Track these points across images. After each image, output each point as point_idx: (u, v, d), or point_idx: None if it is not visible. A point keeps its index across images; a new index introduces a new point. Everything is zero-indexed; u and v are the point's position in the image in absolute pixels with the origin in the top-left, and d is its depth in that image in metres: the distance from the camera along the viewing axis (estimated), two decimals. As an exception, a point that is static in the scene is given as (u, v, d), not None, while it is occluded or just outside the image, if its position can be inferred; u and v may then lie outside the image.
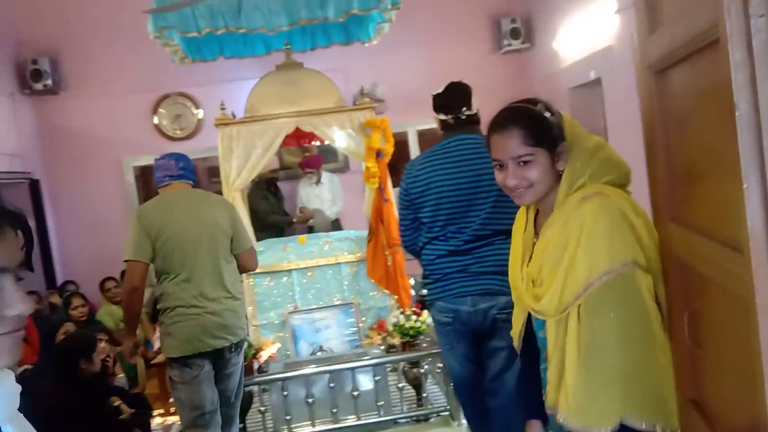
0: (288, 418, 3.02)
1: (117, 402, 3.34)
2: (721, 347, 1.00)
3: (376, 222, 3.61)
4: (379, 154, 3.61)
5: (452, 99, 2.50)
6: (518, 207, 1.52)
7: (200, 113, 6.38)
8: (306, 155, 5.93)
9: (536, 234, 1.45)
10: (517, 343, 1.57)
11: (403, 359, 3.20)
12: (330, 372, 3.07)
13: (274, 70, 3.99)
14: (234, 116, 3.77)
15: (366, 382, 3.17)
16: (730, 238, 0.83)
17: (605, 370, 1.25)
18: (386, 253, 3.58)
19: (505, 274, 1.60)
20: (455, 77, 2.77)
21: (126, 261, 2.73)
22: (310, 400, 3.02)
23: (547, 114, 1.37)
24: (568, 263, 1.28)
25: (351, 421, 3.08)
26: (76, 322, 4.64)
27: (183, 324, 2.72)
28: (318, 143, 4.88)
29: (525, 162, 1.35)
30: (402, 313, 3.29)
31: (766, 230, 0.74)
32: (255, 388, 3.14)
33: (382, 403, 3.09)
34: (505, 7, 6.40)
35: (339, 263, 3.75)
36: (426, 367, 3.30)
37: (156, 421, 3.86)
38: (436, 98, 2.57)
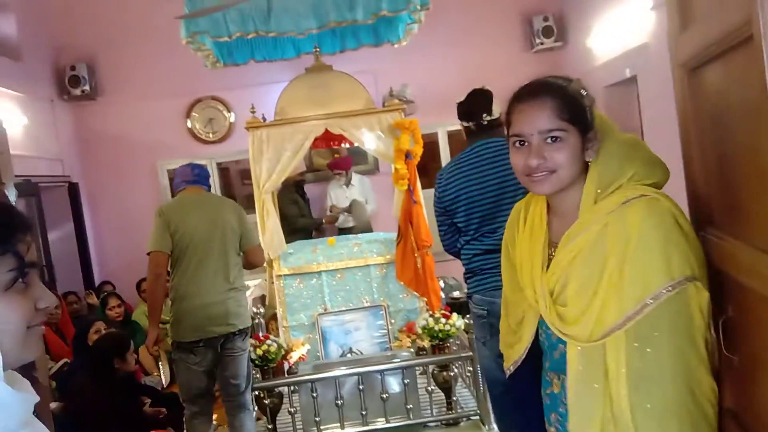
0: (317, 419, 3.02)
1: (147, 401, 3.41)
2: (758, 356, 0.96)
3: (405, 224, 3.59)
4: (408, 155, 3.59)
5: (473, 106, 2.63)
6: None
7: (232, 116, 6.46)
8: (336, 156, 5.95)
9: (550, 239, 1.26)
10: (512, 368, 1.38)
11: (432, 362, 3.17)
12: (359, 374, 3.06)
13: (304, 73, 4.01)
14: (264, 119, 3.80)
15: (395, 385, 3.16)
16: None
17: (662, 403, 1.08)
18: (415, 255, 3.56)
19: None
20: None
21: (149, 253, 3.05)
22: (339, 402, 3.02)
23: (583, 92, 1.19)
24: (610, 281, 1.09)
25: (380, 423, 3.07)
26: (113, 322, 4.75)
27: (192, 313, 3.02)
28: (347, 145, 4.89)
29: (554, 139, 1.15)
30: (431, 315, 3.27)
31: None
32: (285, 389, 3.15)
33: (411, 406, 3.07)
34: (537, 4, 6.31)
35: (368, 265, 3.74)
36: (456, 370, 3.27)
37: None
38: (459, 106, 2.71)
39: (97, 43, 6.23)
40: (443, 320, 3.20)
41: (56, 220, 5.77)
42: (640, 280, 1.07)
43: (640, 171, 1.16)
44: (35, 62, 5.74)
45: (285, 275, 3.72)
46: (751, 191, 0.89)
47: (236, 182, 7.28)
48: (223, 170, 6.82)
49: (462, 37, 6.29)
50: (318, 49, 4.10)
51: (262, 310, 3.83)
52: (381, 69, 5.93)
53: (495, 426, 2.91)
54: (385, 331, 3.66)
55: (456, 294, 4.87)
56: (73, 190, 6.06)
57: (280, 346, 3.16)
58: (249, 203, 6.84)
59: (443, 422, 3.16)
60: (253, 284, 5.37)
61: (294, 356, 3.39)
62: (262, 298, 5.11)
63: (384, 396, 3.02)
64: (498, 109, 2.54)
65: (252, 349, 3.09)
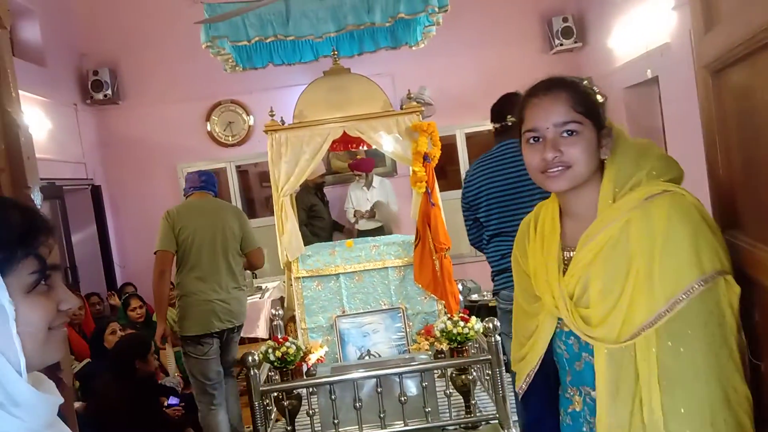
0: (336, 421, 3.03)
1: (166, 402, 3.45)
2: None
3: (423, 226, 3.58)
4: (426, 158, 3.58)
5: (501, 108, 2.78)
6: None
7: (251, 120, 6.51)
8: (358, 157, 5.96)
9: (564, 243, 1.21)
10: (524, 385, 1.32)
11: (450, 365, 3.16)
12: (377, 376, 3.06)
13: (322, 76, 4.02)
14: (283, 122, 3.82)
15: (413, 388, 3.15)
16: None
17: (697, 407, 1.02)
18: (433, 257, 3.55)
19: None
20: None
21: (156, 252, 3.38)
22: (357, 404, 3.02)
23: (596, 89, 1.17)
24: (637, 279, 1.05)
25: (398, 426, 3.06)
26: (134, 323, 4.81)
27: (197, 309, 3.35)
28: (365, 148, 4.90)
29: (570, 132, 1.12)
30: (449, 318, 3.25)
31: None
32: (303, 390, 3.16)
33: (430, 409, 3.05)
34: (556, 5, 6.28)
35: (386, 267, 3.74)
36: (474, 373, 3.25)
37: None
38: (492, 108, 2.81)
39: (119, 48, 6.33)
40: (462, 323, 3.18)
41: (79, 222, 5.87)
42: (671, 276, 1.03)
43: (657, 166, 1.12)
44: (59, 68, 5.85)
45: (303, 277, 3.73)
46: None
47: (255, 185, 7.34)
48: (242, 173, 6.88)
49: (480, 38, 6.27)
50: (336, 52, 4.11)
51: (280, 312, 3.84)
52: (399, 71, 5.95)
53: (514, 430, 2.89)
54: (403, 333, 3.65)
55: (474, 297, 4.85)
56: (96, 193, 6.16)
57: (299, 348, 3.16)
58: (268, 205, 6.92)
59: (462, 425, 3.14)
60: (272, 286, 5.42)
61: (312, 358, 3.40)
62: (281, 300, 5.14)
63: (402, 399, 3.02)
64: None
65: (271, 350, 3.11)
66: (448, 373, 3.16)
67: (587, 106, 1.12)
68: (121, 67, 6.38)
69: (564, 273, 1.18)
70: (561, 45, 6.11)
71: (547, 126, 1.12)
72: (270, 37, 3.81)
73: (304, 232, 5.41)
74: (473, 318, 3.23)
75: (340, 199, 6.12)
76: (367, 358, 3.59)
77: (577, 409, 1.22)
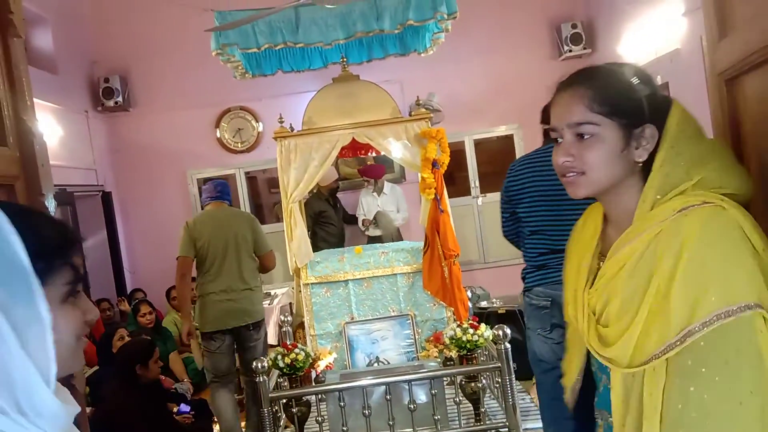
0: (345, 429, 3.02)
1: (176, 409, 3.45)
2: None
3: (432, 233, 3.57)
4: (435, 164, 3.58)
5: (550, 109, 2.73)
6: None
7: (260, 126, 6.54)
8: (369, 163, 5.97)
9: (602, 252, 1.09)
10: (570, 397, 1.20)
11: (460, 372, 3.14)
12: (386, 384, 3.05)
13: (331, 83, 4.04)
14: (292, 129, 3.83)
15: (422, 395, 3.14)
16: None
17: None
18: (442, 264, 3.54)
19: None
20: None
21: (177, 258, 3.75)
22: (366, 412, 3.01)
23: (635, 80, 0.99)
24: (655, 299, 0.91)
25: (407, 434, 3.05)
26: (144, 329, 4.83)
27: (211, 308, 3.72)
28: (374, 154, 4.90)
29: (585, 135, 0.99)
30: (459, 326, 3.24)
31: None
32: (312, 397, 3.16)
33: (439, 417, 3.04)
34: (566, 12, 6.27)
35: (395, 274, 3.73)
36: (484, 381, 3.23)
37: (217, 429, 3.94)
38: (542, 110, 2.75)
39: (130, 55, 6.38)
40: (471, 330, 3.17)
41: (90, 228, 5.91)
42: (688, 302, 0.87)
43: (711, 177, 0.95)
44: (70, 75, 5.90)
45: (312, 284, 3.73)
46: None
47: (263, 191, 7.36)
48: (251, 179, 6.91)
49: (489, 45, 6.28)
50: (345, 59, 4.13)
51: (289, 318, 3.85)
52: (407, 78, 5.95)
53: (524, 439, 2.87)
54: (412, 340, 3.64)
55: (483, 304, 4.83)
56: (107, 199, 6.20)
57: (307, 355, 3.16)
58: (273, 212, 6.94)
59: (471, 434, 3.12)
60: (281, 292, 5.42)
61: (321, 365, 3.40)
62: (290, 306, 5.14)
63: (412, 406, 3.00)
64: None
65: (280, 357, 3.11)
66: (458, 381, 3.15)
67: (612, 103, 0.98)
68: (132, 75, 6.43)
69: (592, 285, 1.07)
70: (570, 51, 6.11)
71: (562, 126, 1.02)
72: (279, 44, 3.84)
73: (312, 238, 5.43)
74: (483, 325, 3.22)
75: (353, 206, 6.13)
76: (376, 365, 3.58)
77: None
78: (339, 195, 6.04)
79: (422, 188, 3.63)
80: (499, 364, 2.99)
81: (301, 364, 3.14)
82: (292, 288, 4.35)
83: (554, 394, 2.60)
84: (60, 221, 0.80)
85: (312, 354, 3.40)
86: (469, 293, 3.70)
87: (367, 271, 3.73)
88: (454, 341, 3.17)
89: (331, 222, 5.64)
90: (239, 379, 4.04)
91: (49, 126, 5.19)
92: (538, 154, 2.74)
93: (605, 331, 0.99)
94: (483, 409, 3.20)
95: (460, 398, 3.10)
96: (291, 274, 3.88)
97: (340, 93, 3.96)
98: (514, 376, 2.94)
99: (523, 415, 3.01)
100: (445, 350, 3.32)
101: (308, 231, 5.53)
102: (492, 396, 3.39)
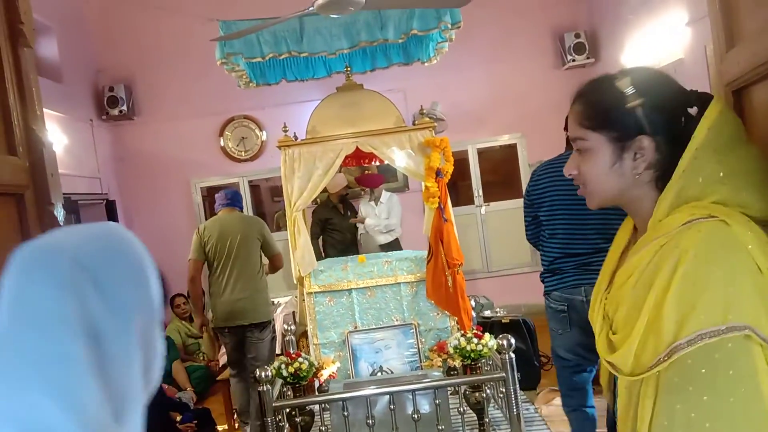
0: (348, 439, 3.00)
1: (179, 418, 3.43)
2: None
3: (435, 242, 3.57)
4: (438, 173, 3.58)
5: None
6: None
7: (264, 135, 6.56)
8: (366, 172, 5.98)
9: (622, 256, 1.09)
10: (607, 396, 1.18)
11: (464, 382, 3.13)
12: (390, 393, 3.03)
13: (335, 92, 4.05)
14: (296, 137, 3.84)
15: (426, 405, 3.12)
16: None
17: None
18: (446, 273, 3.54)
19: None
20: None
21: (189, 260, 4.09)
22: (370, 422, 3.00)
23: (629, 90, 0.97)
24: (651, 311, 0.90)
25: (411, 444, 3.03)
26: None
27: (220, 306, 4.04)
28: (377, 163, 4.91)
29: (582, 150, 1.02)
30: (463, 335, 3.23)
31: None
32: (316, 407, 3.14)
33: (443, 427, 3.02)
34: (569, 21, 6.30)
35: (399, 283, 3.73)
36: (488, 391, 3.22)
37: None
38: (566, 118, 2.88)
39: (134, 64, 6.42)
40: (475, 340, 3.16)
41: (93, 236, 5.91)
42: (677, 317, 0.86)
43: (728, 197, 0.91)
44: (75, 84, 5.93)
45: (315, 292, 3.72)
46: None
47: (266, 199, 7.38)
48: (254, 187, 6.92)
49: (492, 54, 6.30)
50: (349, 69, 4.14)
51: (292, 327, 3.84)
52: (411, 87, 5.97)
53: (529, 449, 2.86)
54: (416, 349, 3.63)
55: (487, 313, 4.82)
56: (111, 208, 6.21)
57: (311, 364, 3.15)
58: (274, 221, 6.95)
59: (475, 444, 3.10)
60: (284, 301, 5.41)
61: (325, 374, 3.39)
62: (293, 315, 5.13)
63: (415, 416, 2.99)
64: None
65: (284, 366, 3.10)
66: (462, 391, 3.13)
67: (597, 117, 0.99)
68: (137, 84, 6.47)
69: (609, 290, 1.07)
70: (573, 61, 6.13)
71: (571, 141, 1.06)
72: (284, 53, 3.86)
73: (318, 246, 5.43)
74: (487, 335, 3.21)
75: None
76: (379, 374, 3.57)
77: None
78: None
79: (426, 197, 3.63)
80: (504, 374, 2.97)
81: (304, 374, 3.13)
82: (296, 297, 4.36)
83: (571, 385, 2.99)
84: (161, 275, 0.83)
85: (315, 363, 3.39)
86: (472, 302, 3.69)
87: (371, 280, 3.73)
88: (458, 351, 3.16)
89: (337, 229, 5.64)
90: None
91: (54, 134, 5.21)
92: (559, 159, 2.84)
93: (613, 337, 0.99)
94: (487, 419, 3.18)
95: (464, 408, 3.08)
96: (294, 282, 3.89)
97: (343, 102, 3.97)
98: (518, 386, 2.93)
99: (527, 425, 2.99)
100: (448, 360, 3.30)
101: (317, 238, 5.55)
102: (496, 406, 3.38)
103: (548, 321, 3.01)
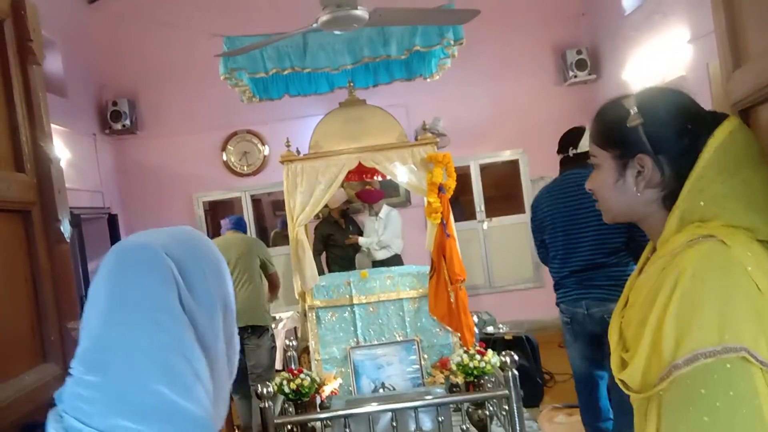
0: (350, 456, 2.97)
1: None
2: None
3: (438, 258, 3.56)
4: (441, 189, 3.58)
5: (565, 140, 3.06)
6: (623, 233, 1.23)
7: (266, 150, 6.58)
8: (367, 188, 5.98)
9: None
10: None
11: (467, 400, 3.10)
12: (393, 410, 3.01)
13: (337, 107, 4.07)
14: (298, 152, 3.85)
15: (429, 422, 3.10)
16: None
17: None
18: (449, 289, 3.53)
19: (620, 286, 1.44)
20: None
21: None
22: (372, 439, 2.97)
23: (633, 111, 0.98)
24: (653, 330, 0.90)
25: (413, 462, 3.00)
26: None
27: None
28: (380, 178, 4.92)
29: (594, 166, 1.07)
30: (466, 352, 3.21)
31: None
32: (318, 423, 3.12)
33: (446, 444, 3.00)
34: (571, 38, 6.34)
35: (401, 299, 3.71)
36: (491, 408, 3.19)
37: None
38: (559, 141, 3.07)
39: (138, 79, 6.46)
40: (478, 357, 3.14)
41: (95, 250, 5.91)
42: (675, 337, 0.86)
43: (732, 220, 0.91)
44: (79, 98, 5.97)
45: (318, 308, 3.71)
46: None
47: (268, 213, 7.38)
48: (256, 201, 6.93)
49: (494, 70, 6.33)
50: (352, 84, 4.16)
51: (294, 342, 3.82)
52: (413, 102, 6.00)
53: (532, 467, 2.83)
54: (418, 366, 3.61)
55: (490, 329, 4.79)
56: (113, 222, 6.21)
57: (313, 381, 3.13)
58: (271, 237, 6.95)
59: (478, 462, 3.07)
60: (286, 316, 5.39)
61: (326, 390, 3.36)
62: (295, 330, 5.11)
63: (417, 434, 2.96)
64: (586, 143, 2.94)
65: (285, 382, 3.08)
66: (465, 408, 3.11)
67: (603, 135, 1.03)
68: (140, 98, 6.50)
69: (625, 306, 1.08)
70: (575, 77, 6.16)
71: None
72: (287, 69, 3.88)
73: (320, 262, 5.44)
74: (490, 351, 3.19)
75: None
76: (381, 390, 3.54)
77: None
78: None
79: (428, 213, 3.63)
80: (507, 392, 2.95)
81: (306, 390, 3.12)
82: (298, 312, 4.35)
83: (583, 400, 3.14)
84: None
85: (317, 379, 3.37)
86: (475, 318, 3.68)
87: (373, 296, 3.71)
88: (461, 367, 3.14)
89: (339, 245, 5.64)
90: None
91: (58, 148, 5.23)
92: (554, 184, 3.04)
93: (625, 355, 0.99)
94: (490, 437, 3.15)
95: (467, 426, 3.06)
96: (297, 297, 3.87)
97: (346, 117, 3.99)
98: (521, 403, 2.91)
99: (531, 444, 2.96)
100: (451, 376, 3.28)
101: (320, 254, 5.56)
102: (499, 423, 3.35)
103: (563, 332, 3.18)
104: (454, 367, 3.22)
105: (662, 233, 0.98)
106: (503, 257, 6.61)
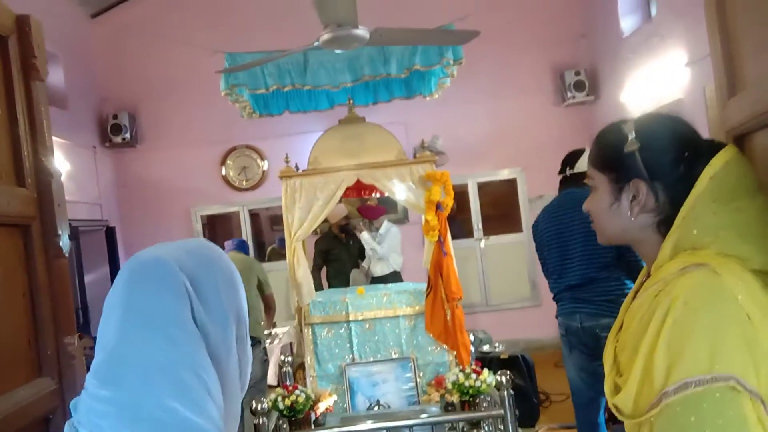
0: (343, 475, 2.95)
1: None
2: None
3: (435, 275, 3.56)
4: (438, 207, 3.59)
5: (565, 161, 3.17)
6: (611, 248, 1.22)
7: (265, 165, 6.60)
8: (368, 203, 5.98)
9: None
10: None
11: (462, 419, 3.09)
12: (387, 429, 2.99)
13: (337, 124, 4.09)
14: (297, 168, 3.87)
15: (424, 442, 3.08)
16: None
17: None
18: (445, 307, 3.52)
19: (613, 301, 1.51)
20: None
21: None
22: (366, 458, 2.95)
23: (631, 136, 0.99)
24: (645, 356, 0.91)
25: (408, 481, 2.98)
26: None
27: None
28: (378, 195, 4.93)
29: (591, 187, 1.08)
30: (461, 371, 3.20)
31: None
32: (311, 441, 3.10)
33: (441, 464, 2.98)
34: (569, 59, 6.40)
35: (397, 316, 3.71)
36: (486, 428, 3.18)
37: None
38: (561, 162, 3.18)
39: (139, 93, 6.50)
40: (474, 376, 3.13)
41: (93, 263, 5.90)
42: (665, 365, 0.86)
43: (725, 250, 0.92)
44: (80, 111, 5.99)
45: (314, 324, 3.70)
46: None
47: (266, 228, 7.38)
48: (253, 216, 6.93)
49: (493, 89, 6.38)
50: (352, 101, 4.19)
51: (290, 358, 3.80)
52: (412, 120, 6.03)
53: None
54: (414, 384, 3.59)
55: (486, 348, 4.78)
56: (110, 234, 6.20)
57: (308, 397, 3.12)
58: (266, 252, 6.95)
59: (473, 482, 3.05)
60: (282, 332, 5.37)
61: (321, 407, 3.34)
62: (290, 345, 5.09)
63: (412, 453, 2.94)
64: (583, 164, 3.04)
65: (280, 399, 3.07)
66: (460, 427, 3.10)
67: (602, 158, 1.04)
68: (140, 112, 6.53)
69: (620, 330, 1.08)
70: (573, 98, 6.20)
71: None
72: (288, 86, 3.90)
73: (319, 277, 5.43)
74: (485, 371, 3.18)
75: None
76: (376, 408, 3.52)
77: None
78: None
79: (426, 230, 3.64)
80: (502, 411, 2.94)
81: (301, 407, 3.10)
82: (294, 327, 4.33)
83: (580, 420, 3.19)
84: None
85: (312, 396, 3.35)
86: (471, 337, 3.67)
87: (369, 312, 3.71)
88: (456, 386, 3.13)
89: (337, 260, 5.62)
90: None
91: (58, 161, 5.24)
92: (552, 203, 3.14)
93: (618, 379, 0.99)
94: (485, 458, 3.13)
95: (462, 445, 3.04)
96: (293, 312, 3.86)
97: (345, 134, 4.01)
98: (517, 423, 2.89)
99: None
100: (447, 395, 3.27)
101: (319, 269, 5.54)
102: (494, 443, 3.33)
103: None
104: (449, 386, 3.21)
105: (656, 259, 0.98)
106: (500, 276, 6.60)
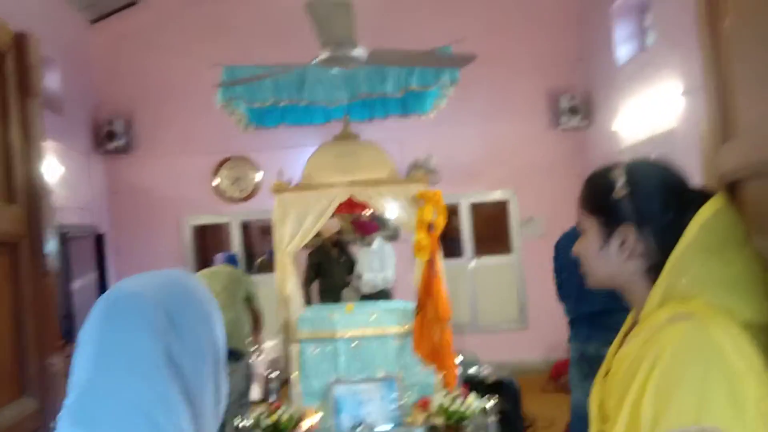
0: (325, 496, 2.91)
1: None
2: None
3: (425, 295, 3.55)
4: (430, 227, 3.59)
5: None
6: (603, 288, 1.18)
7: (258, 176, 6.58)
8: (362, 218, 5.97)
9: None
10: None
11: (446, 442, 3.07)
12: (370, 450, 2.97)
13: (331, 140, 4.10)
14: (290, 181, 3.86)
15: (407, 464, 3.05)
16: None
17: None
18: (434, 328, 3.51)
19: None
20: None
21: None
22: (348, 479, 2.92)
23: (620, 181, 0.99)
24: (631, 406, 0.90)
25: (389, 505, 2.94)
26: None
27: None
28: (370, 212, 4.93)
29: (581, 230, 1.07)
30: (447, 394, 3.18)
31: None
32: (293, 460, 3.07)
33: (423, 488, 2.95)
34: (564, 84, 6.45)
35: (385, 335, 3.69)
36: (470, 453, 3.16)
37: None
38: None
39: (135, 100, 6.49)
40: (459, 401, 3.11)
41: (80, 269, 5.84)
42: (652, 415, 0.85)
43: (713, 302, 0.91)
44: (75, 116, 5.97)
45: (301, 340, 3.67)
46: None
47: (257, 239, 7.35)
48: (244, 226, 6.89)
49: (488, 111, 6.42)
50: (347, 117, 4.20)
51: (275, 374, 3.77)
52: (407, 138, 6.05)
53: None
54: (399, 404, 3.56)
55: (473, 370, 4.75)
56: (99, 240, 6.15)
57: (291, 417, 3.09)
58: (254, 264, 6.92)
59: (455, 508, 3.02)
60: (267, 346, 5.32)
61: (304, 425, 3.31)
62: (276, 361, 5.04)
63: (395, 476, 2.92)
64: None
65: (263, 416, 3.04)
66: (444, 451, 3.07)
67: (591, 201, 1.04)
68: (136, 119, 6.52)
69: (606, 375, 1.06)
70: (567, 122, 6.25)
71: None
72: (284, 100, 3.92)
73: (309, 291, 5.39)
74: (472, 395, 3.17)
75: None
76: (359, 428, 3.49)
77: None
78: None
79: (417, 250, 3.63)
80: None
81: (284, 425, 3.07)
82: (281, 340, 4.29)
83: (579, 430, 3.04)
84: None
85: (296, 414, 3.32)
86: (459, 358, 3.65)
87: (357, 330, 3.69)
88: (442, 410, 3.12)
89: (327, 275, 5.60)
90: None
91: (50, 165, 5.20)
92: (572, 229, 3.09)
93: (604, 426, 0.98)
94: (468, 483, 3.11)
95: (446, 470, 3.02)
96: (279, 328, 3.83)
97: (339, 151, 4.02)
98: (502, 449, 2.88)
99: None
100: (431, 418, 3.25)
101: (311, 283, 5.50)
102: (478, 468, 3.30)
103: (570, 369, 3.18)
104: (435, 410, 3.19)
105: (644, 307, 0.98)
106: (489, 297, 6.60)
